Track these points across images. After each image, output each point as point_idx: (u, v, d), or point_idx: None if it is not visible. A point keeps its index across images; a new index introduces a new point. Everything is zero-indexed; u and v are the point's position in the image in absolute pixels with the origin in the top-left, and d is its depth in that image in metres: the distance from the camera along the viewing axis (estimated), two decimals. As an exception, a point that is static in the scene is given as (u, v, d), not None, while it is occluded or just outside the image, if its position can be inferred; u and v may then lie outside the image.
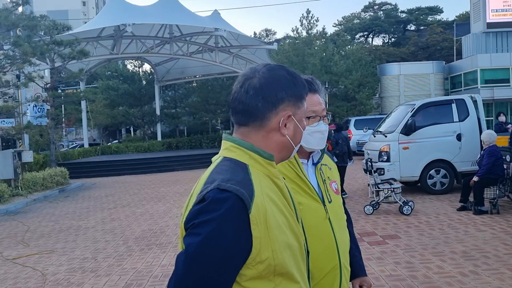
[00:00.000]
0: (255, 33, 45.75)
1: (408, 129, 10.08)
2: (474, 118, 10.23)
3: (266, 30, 64.11)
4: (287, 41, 34.50)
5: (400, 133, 10.13)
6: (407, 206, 8.16)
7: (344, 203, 2.23)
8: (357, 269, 2.12)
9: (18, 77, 16.40)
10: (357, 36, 56.80)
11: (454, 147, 10.14)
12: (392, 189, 8.41)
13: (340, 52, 31.05)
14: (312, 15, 33.60)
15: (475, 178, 8.03)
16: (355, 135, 21.01)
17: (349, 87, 28.77)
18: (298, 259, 1.36)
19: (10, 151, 13.61)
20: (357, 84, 28.97)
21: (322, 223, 1.88)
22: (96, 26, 20.82)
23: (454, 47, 36.80)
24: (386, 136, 10.44)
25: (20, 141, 18.53)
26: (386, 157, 10.15)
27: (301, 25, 31.61)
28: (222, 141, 1.40)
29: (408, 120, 10.14)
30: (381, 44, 57.58)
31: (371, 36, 59.73)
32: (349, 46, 34.57)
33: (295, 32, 32.23)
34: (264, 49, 25.86)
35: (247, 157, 1.33)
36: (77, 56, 15.76)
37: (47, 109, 17.01)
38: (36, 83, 16.23)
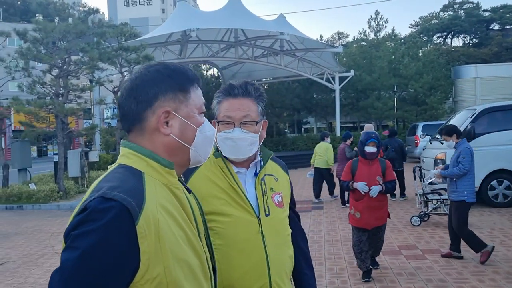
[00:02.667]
0: (321, 36, 45.02)
1: (467, 136, 9.37)
2: (544, 126, 9.32)
3: (339, 33, 62.92)
4: (355, 45, 33.67)
5: (458, 140, 9.46)
6: (457, 219, 7.59)
7: (297, 217, 2.09)
8: None
9: (91, 81, 17.48)
10: (434, 37, 54.13)
11: (519, 156, 9.31)
12: (442, 200, 7.90)
13: (411, 54, 29.70)
14: (381, 16, 32.63)
15: None
16: (422, 141, 19.96)
17: (419, 90, 27.45)
18: (198, 278, 1.25)
19: (78, 151, 14.52)
20: (428, 88, 27.56)
21: (253, 237, 1.76)
22: (164, 32, 21.65)
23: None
24: (442, 143, 9.80)
25: (92, 142, 19.70)
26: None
27: (369, 27, 30.69)
28: (121, 147, 1.31)
29: (468, 126, 9.47)
30: (460, 45, 54.45)
31: (450, 37, 56.68)
32: (422, 49, 33.04)
33: (362, 35, 31.37)
34: (329, 52, 25.43)
35: (144, 165, 1.23)
36: (142, 61, 16.44)
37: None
38: (105, 87, 17.18)
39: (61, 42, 14.44)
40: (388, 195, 5.74)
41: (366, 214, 5.16)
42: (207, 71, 33.66)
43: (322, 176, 11.11)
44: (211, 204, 1.73)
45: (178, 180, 1.33)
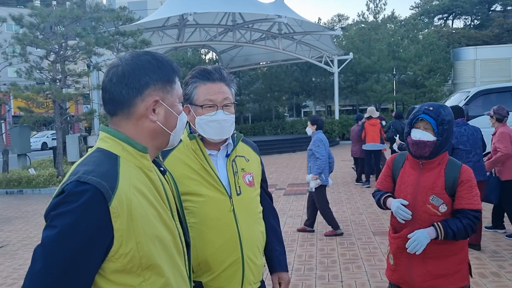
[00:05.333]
0: (320, 19, 44.78)
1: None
2: (537, 108, 9.36)
3: (339, 15, 62.42)
4: (354, 28, 33.46)
5: (452, 122, 9.54)
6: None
7: (268, 196, 2.19)
8: (275, 264, 2.10)
9: (88, 66, 17.51)
10: (435, 19, 53.68)
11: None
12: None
13: (410, 37, 29.55)
14: (380, -2, 32.32)
15: None
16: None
17: (418, 73, 27.38)
18: (171, 252, 1.37)
19: (76, 136, 14.63)
20: (427, 70, 27.49)
21: (225, 215, 1.88)
22: (161, 16, 21.54)
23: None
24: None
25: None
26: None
27: (368, 10, 30.49)
28: (100, 131, 1.41)
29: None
30: (461, 26, 54.00)
31: (451, 18, 56.17)
32: (422, 31, 32.82)
33: (361, 17, 31.18)
34: (328, 35, 25.32)
35: (120, 149, 1.34)
36: (139, 45, 16.43)
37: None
38: (103, 72, 17.20)
39: (58, 27, 14.44)
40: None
41: (405, 262, 2.57)
42: (205, 55, 33.56)
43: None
44: (185, 185, 1.83)
45: (156, 160, 1.46)
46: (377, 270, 5.03)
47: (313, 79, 31.24)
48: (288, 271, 2.15)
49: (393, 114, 11.92)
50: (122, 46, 16.88)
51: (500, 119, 5.96)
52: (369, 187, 10.45)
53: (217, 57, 31.22)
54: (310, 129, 6.79)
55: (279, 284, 2.10)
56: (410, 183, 2.56)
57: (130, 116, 1.36)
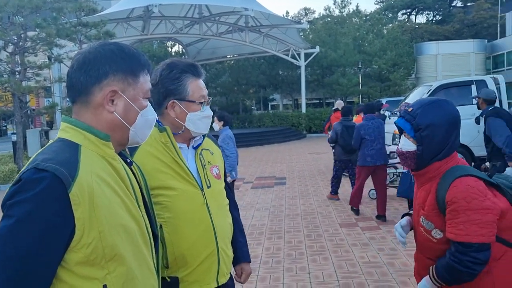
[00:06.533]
0: (287, 12, 44.95)
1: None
2: (496, 101, 9.70)
3: (305, 8, 62.74)
4: (320, 21, 33.75)
5: (415, 115, 9.76)
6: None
7: (230, 188, 2.22)
8: (239, 255, 2.14)
9: (49, 58, 16.95)
10: (399, 14, 54.75)
11: (472, 130, 9.65)
12: (398, 174, 8.18)
13: (375, 31, 30.08)
14: (346, -8, 32.73)
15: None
16: (385, 116, 20.47)
17: (383, 67, 27.92)
18: (137, 242, 1.33)
19: (37, 130, 14.20)
20: (392, 64, 28.07)
21: (199, 208, 1.88)
22: (125, 7, 21.07)
23: (498, 24, 34.86)
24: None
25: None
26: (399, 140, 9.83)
27: (334, 4, 30.77)
28: (61, 122, 1.38)
29: (424, 102, 9.77)
30: (424, 22, 55.28)
31: (414, 13, 57.42)
32: (386, 26, 33.43)
33: (327, 11, 31.48)
34: (295, 28, 25.42)
35: (82, 138, 1.31)
36: (103, 37, 16.03)
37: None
38: (65, 64, 16.68)
39: (16, 17, 13.90)
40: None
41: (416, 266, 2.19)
42: (171, 48, 33.13)
43: None
44: (157, 179, 1.81)
45: (122, 152, 1.44)
46: (343, 261, 5.10)
47: (280, 72, 31.36)
48: (250, 262, 2.19)
49: (386, 106, 11.90)
50: (85, 38, 16.42)
51: None
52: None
53: (183, 50, 30.87)
54: (217, 125, 6.70)
55: (241, 274, 2.16)
56: (415, 200, 2.11)
57: (88, 104, 1.34)
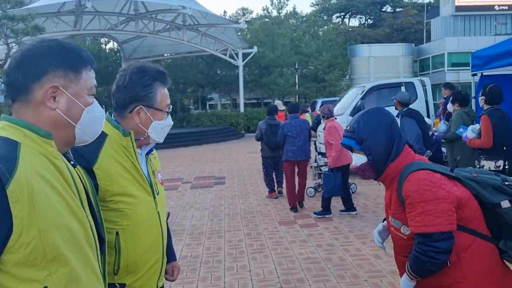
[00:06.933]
0: (225, 12, 45.04)
1: (357, 112, 10.08)
2: (422, 102, 10.30)
3: (243, 8, 63.08)
4: (258, 22, 34.12)
5: (350, 115, 10.13)
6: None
7: None
8: (169, 255, 2.14)
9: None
10: (334, 17, 56.52)
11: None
12: (320, 175, 8.43)
13: (311, 33, 30.88)
14: (283, -6, 33.30)
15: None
16: (321, 116, 21.04)
17: (319, 68, 28.73)
18: (81, 244, 1.28)
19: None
20: (327, 65, 28.96)
21: (152, 216, 1.88)
22: (55, 1, 20.11)
23: (424, 30, 36.99)
24: (335, 118, 10.42)
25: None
26: (334, 140, 10.15)
27: (272, 4, 31.24)
28: (0, 121, 1.31)
29: (358, 102, 10.16)
30: (357, 25, 57.47)
31: (348, 17, 59.53)
32: (322, 28, 34.41)
33: (265, 12, 31.89)
34: (233, 28, 25.50)
35: (21, 135, 1.25)
36: (31, 32, 15.24)
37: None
38: (-11, 59, 15.70)
39: None
40: None
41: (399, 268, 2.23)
42: (105, 45, 32.07)
43: None
44: (120, 185, 1.79)
45: (66, 155, 1.39)
46: (283, 258, 5.19)
47: (218, 71, 31.34)
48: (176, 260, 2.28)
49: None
50: (11, 32, 15.56)
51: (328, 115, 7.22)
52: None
53: (118, 47, 29.99)
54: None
55: (173, 272, 2.21)
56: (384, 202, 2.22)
57: (29, 102, 1.29)
